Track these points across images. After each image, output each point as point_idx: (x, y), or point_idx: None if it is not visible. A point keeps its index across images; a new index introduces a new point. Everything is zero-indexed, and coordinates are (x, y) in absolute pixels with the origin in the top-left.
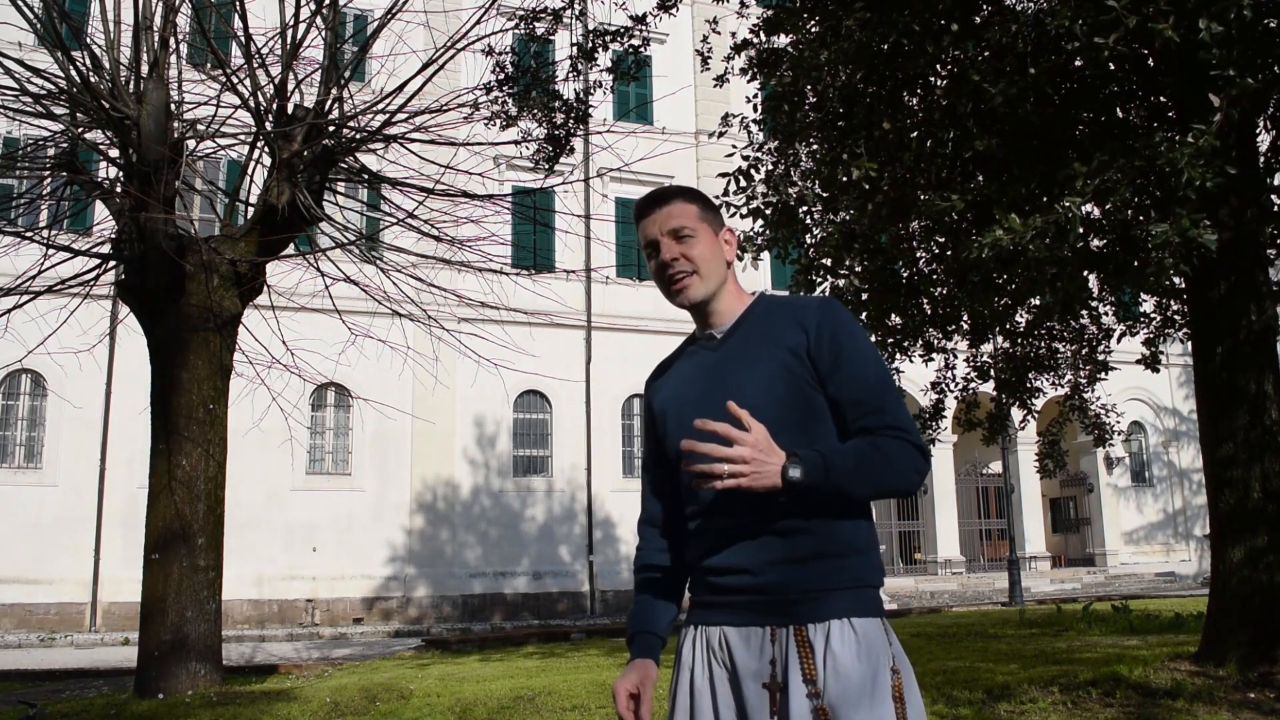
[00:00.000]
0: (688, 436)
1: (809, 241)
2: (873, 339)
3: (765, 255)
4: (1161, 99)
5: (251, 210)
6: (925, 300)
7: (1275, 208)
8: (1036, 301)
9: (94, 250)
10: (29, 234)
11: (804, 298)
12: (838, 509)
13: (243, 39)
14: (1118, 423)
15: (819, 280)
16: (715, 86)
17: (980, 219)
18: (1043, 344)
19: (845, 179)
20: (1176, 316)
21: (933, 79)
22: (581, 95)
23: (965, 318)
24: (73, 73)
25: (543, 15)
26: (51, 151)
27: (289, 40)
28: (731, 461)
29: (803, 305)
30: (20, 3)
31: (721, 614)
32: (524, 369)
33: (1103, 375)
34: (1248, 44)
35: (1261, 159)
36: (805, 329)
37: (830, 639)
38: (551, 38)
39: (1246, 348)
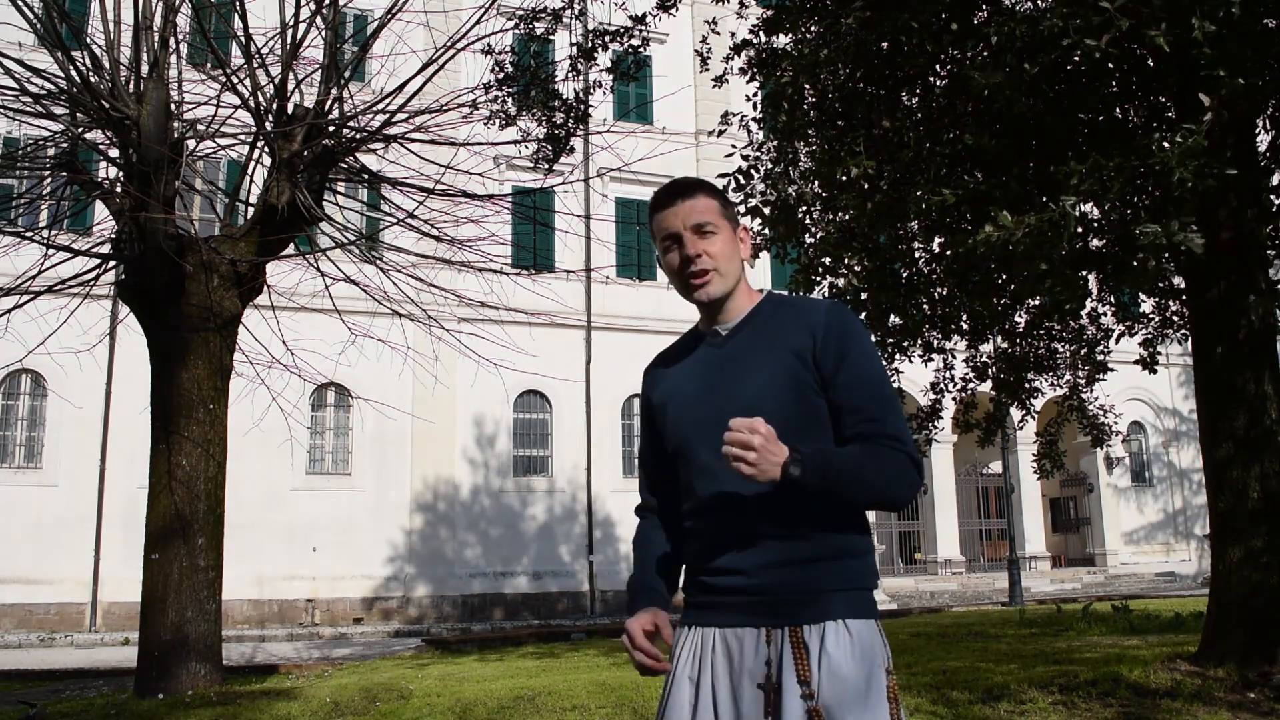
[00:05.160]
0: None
1: (808, 241)
2: (873, 339)
3: (764, 254)
4: (1161, 99)
5: (251, 210)
6: (924, 300)
7: (1275, 208)
8: (1036, 302)
9: (94, 250)
10: (29, 234)
11: (813, 300)
12: (832, 512)
13: (243, 39)
14: (1115, 423)
15: (818, 280)
16: (715, 87)
17: (978, 216)
18: (1041, 344)
19: (844, 177)
20: (1176, 317)
21: (932, 78)
22: (581, 95)
23: (964, 318)
24: (73, 73)
25: (542, 15)
26: (51, 151)
27: (289, 40)
28: (741, 447)
29: (811, 309)
30: (20, 3)
31: (715, 615)
32: (524, 369)
33: (1101, 376)
34: (1243, 43)
35: (1261, 159)
36: (813, 332)
37: (825, 640)
38: (551, 38)
39: (1246, 348)
